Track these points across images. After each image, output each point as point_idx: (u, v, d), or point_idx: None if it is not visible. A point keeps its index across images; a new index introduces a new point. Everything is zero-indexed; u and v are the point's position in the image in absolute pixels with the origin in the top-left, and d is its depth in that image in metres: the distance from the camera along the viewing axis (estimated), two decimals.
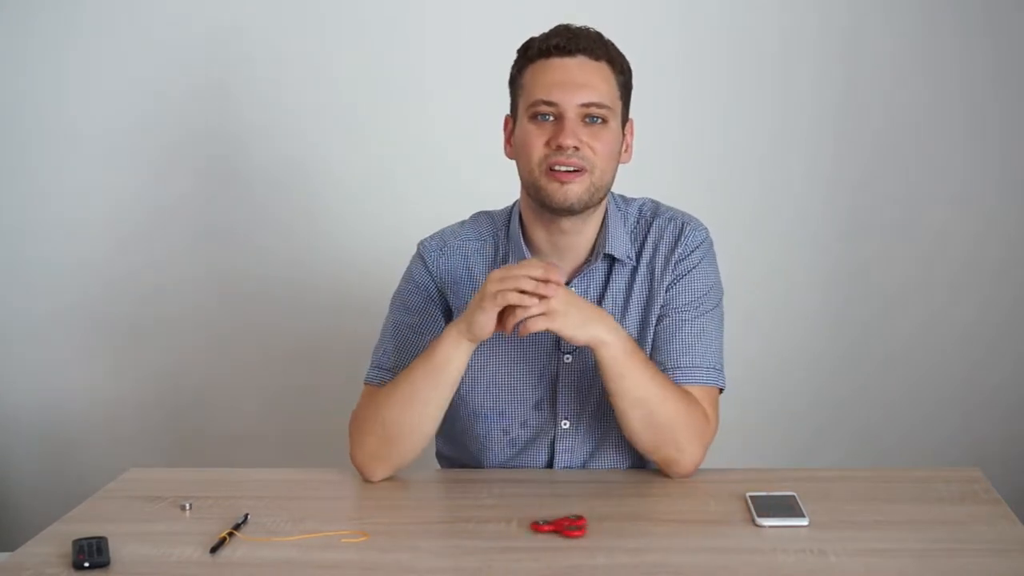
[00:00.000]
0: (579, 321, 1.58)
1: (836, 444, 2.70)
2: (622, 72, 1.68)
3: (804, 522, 1.49)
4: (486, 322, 1.58)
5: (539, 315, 1.55)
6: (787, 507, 1.53)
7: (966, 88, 2.58)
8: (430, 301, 1.78)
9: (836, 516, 1.52)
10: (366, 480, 1.71)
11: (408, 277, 1.81)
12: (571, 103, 1.62)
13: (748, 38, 2.59)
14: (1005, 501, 1.57)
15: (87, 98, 2.70)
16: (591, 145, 1.63)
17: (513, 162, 1.72)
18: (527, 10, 2.55)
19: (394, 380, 1.70)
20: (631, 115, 1.73)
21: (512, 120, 1.71)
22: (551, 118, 1.63)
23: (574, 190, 1.63)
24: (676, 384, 1.68)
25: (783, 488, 1.60)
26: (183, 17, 2.65)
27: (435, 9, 2.63)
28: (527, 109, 1.65)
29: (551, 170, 1.63)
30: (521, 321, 1.56)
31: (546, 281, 1.55)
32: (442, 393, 1.66)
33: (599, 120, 1.64)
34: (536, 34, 1.68)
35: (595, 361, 1.63)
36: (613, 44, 1.68)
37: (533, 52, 1.66)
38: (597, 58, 1.64)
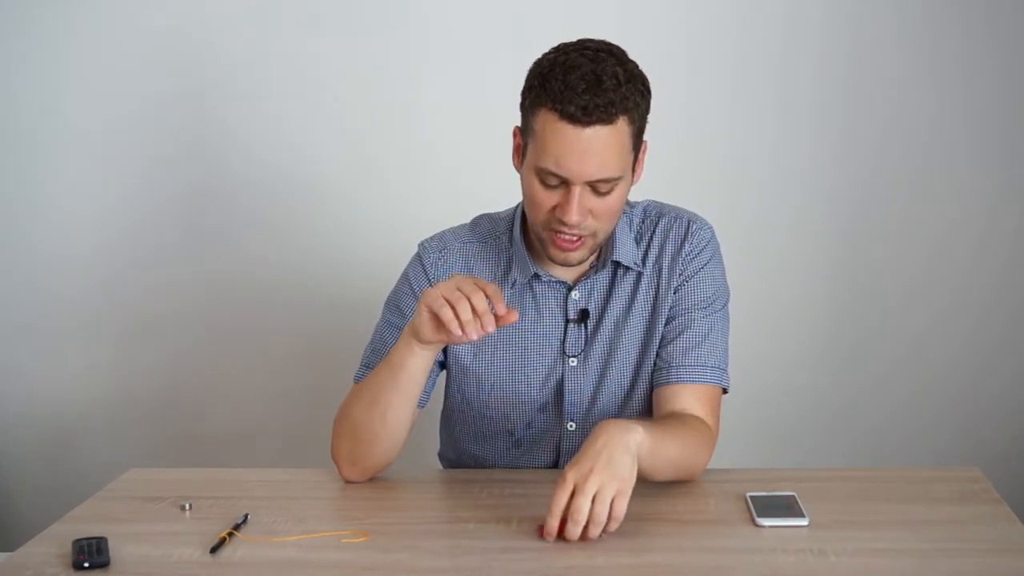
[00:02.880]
0: (618, 469, 1.46)
1: (838, 446, 2.70)
2: (640, 116, 1.58)
3: (804, 522, 1.49)
4: (420, 325, 1.55)
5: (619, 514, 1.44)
6: (787, 507, 1.53)
7: (968, 88, 2.57)
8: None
9: (836, 516, 1.52)
10: (348, 481, 1.72)
11: (404, 278, 1.81)
12: (580, 179, 1.55)
13: (751, 38, 2.59)
14: (1005, 501, 1.57)
15: (82, 97, 2.70)
16: (595, 212, 1.59)
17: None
18: (524, 10, 2.55)
19: (362, 382, 1.71)
20: (645, 137, 1.66)
21: (522, 142, 1.63)
22: (558, 182, 1.57)
23: (575, 256, 1.64)
24: (688, 426, 1.64)
25: (783, 488, 1.60)
26: (177, 18, 2.65)
27: (430, 8, 2.63)
28: (534, 166, 1.58)
29: (554, 230, 1.61)
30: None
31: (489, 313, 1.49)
32: (403, 398, 1.64)
33: (608, 192, 1.58)
34: (543, 40, 1.62)
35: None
36: (634, 80, 1.55)
37: (547, 99, 1.53)
38: (613, 121, 1.53)
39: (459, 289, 1.50)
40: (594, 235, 1.62)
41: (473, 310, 1.48)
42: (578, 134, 1.53)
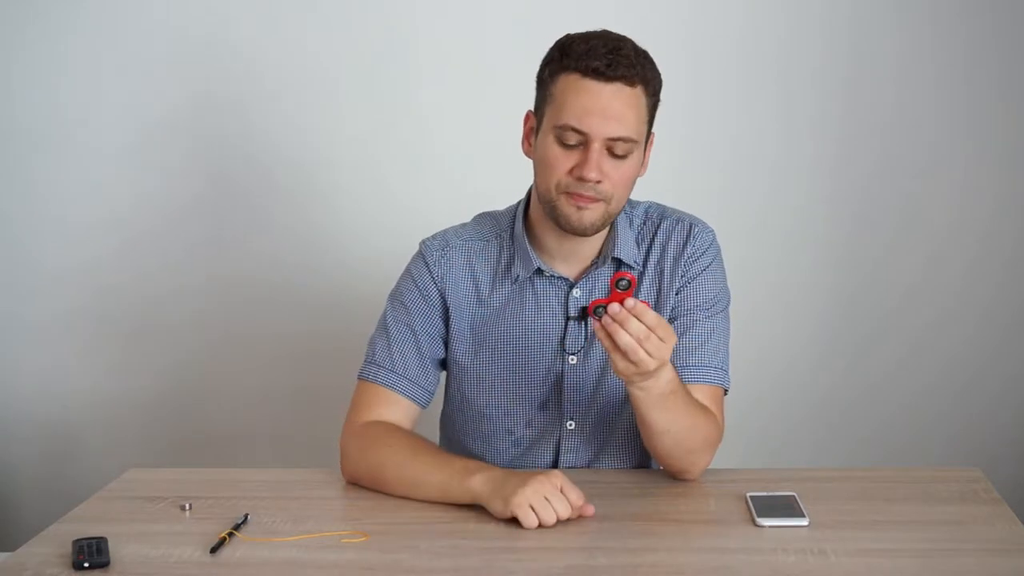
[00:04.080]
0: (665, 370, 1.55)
1: (838, 446, 2.70)
2: (654, 93, 1.63)
3: (804, 522, 1.49)
4: (491, 507, 1.53)
5: (635, 364, 1.48)
6: (787, 507, 1.53)
7: (970, 88, 2.57)
8: (426, 301, 1.78)
9: (836, 516, 1.52)
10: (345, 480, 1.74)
11: (407, 275, 1.81)
12: (600, 135, 1.58)
13: (752, 38, 2.59)
14: (1006, 502, 1.57)
15: (89, 102, 2.69)
16: (611, 176, 1.61)
17: (525, 160, 1.71)
18: (526, 11, 2.55)
19: (405, 457, 1.65)
20: (654, 129, 1.69)
21: (536, 120, 1.66)
22: (576, 143, 1.60)
23: (589, 216, 1.63)
24: (701, 409, 1.66)
25: (783, 488, 1.60)
26: (183, 19, 2.65)
27: (433, 7, 2.63)
28: (553, 127, 1.60)
29: (569, 193, 1.62)
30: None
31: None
32: (428, 495, 1.62)
33: (624, 155, 1.61)
34: (545, 41, 1.65)
35: (627, 395, 1.61)
36: (649, 58, 1.63)
37: (570, 62, 1.59)
38: (633, 84, 1.58)
39: (547, 499, 1.50)
40: (608, 202, 1.63)
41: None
42: (601, 89, 1.57)
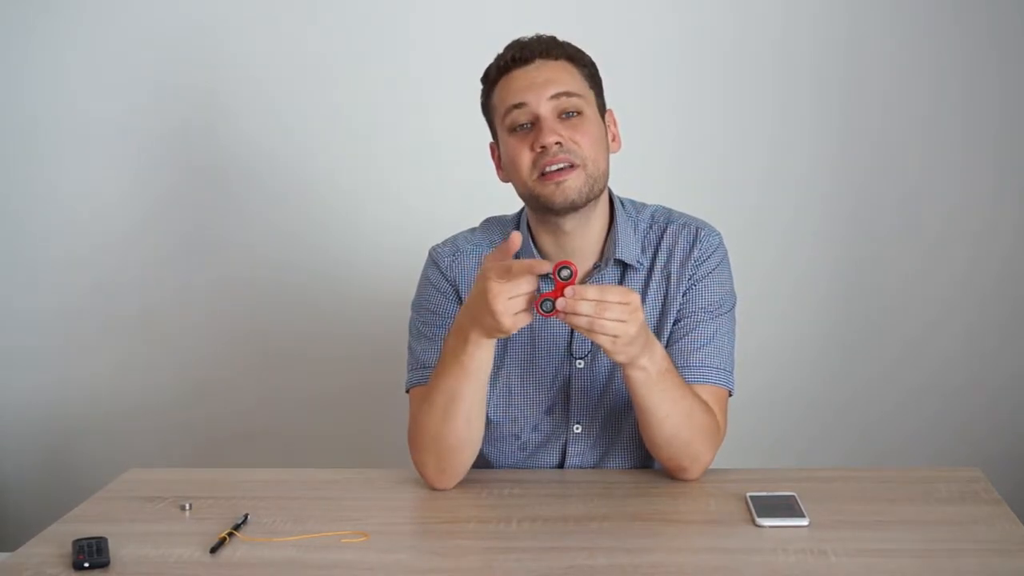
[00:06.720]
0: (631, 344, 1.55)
1: (838, 445, 2.69)
2: (585, 65, 1.70)
3: (804, 522, 1.49)
4: (481, 315, 1.52)
5: (613, 336, 1.48)
6: (787, 507, 1.53)
7: (965, 87, 2.57)
8: (447, 299, 1.78)
9: (836, 516, 1.52)
10: (437, 490, 1.69)
11: (424, 281, 1.81)
12: (541, 99, 1.64)
13: (749, 38, 2.59)
14: (1006, 501, 1.57)
15: (86, 95, 2.70)
16: (573, 139, 1.64)
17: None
18: (529, 8, 2.55)
19: (430, 395, 1.65)
20: (610, 106, 1.74)
21: (496, 145, 1.73)
22: (528, 125, 1.65)
23: (571, 185, 1.63)
24: (697, 396, 1.66)
25: (783, 488, 1.60)
26: (184, 16, 2.65)
27: (435, 6, 2.63)
28: (503, 124, 1.67)
29: (543, 175, 1.63)
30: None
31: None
32: (479, 395, 1.63)
33: (575, 113, 1.65)
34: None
35: (624, 379, 1.61)
36: (570, 43, 1.70)
37: (493, 73, 1.69)
38: (555, 58, 1.67)
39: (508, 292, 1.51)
40: (584, 164, 1.64)
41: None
42: (524, 70, 1.66)
